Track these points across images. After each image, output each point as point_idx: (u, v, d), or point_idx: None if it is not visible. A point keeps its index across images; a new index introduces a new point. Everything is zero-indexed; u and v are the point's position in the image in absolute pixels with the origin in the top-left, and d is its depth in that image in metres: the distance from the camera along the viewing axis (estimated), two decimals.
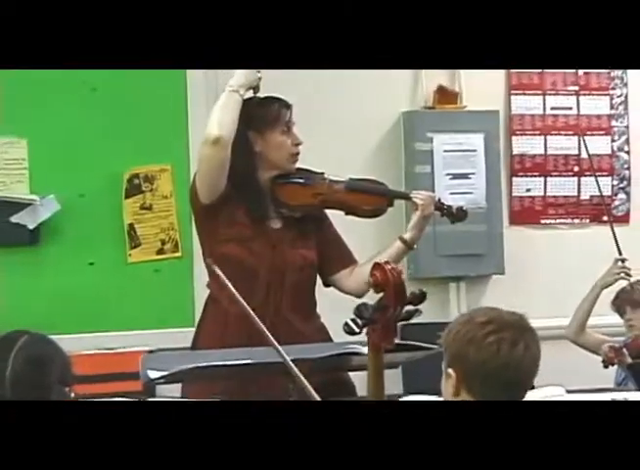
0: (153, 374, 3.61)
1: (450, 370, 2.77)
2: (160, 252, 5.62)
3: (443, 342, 2.83)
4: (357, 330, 2.89)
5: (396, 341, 4.03)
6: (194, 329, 4.38)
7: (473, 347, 2.73)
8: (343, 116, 5.77)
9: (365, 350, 3.68)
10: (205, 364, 3.69)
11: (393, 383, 5.03)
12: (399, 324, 2.97)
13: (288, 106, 4.28)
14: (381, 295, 2.79)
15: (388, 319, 2.82)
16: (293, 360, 3.52)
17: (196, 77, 5.61)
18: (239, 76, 4.16)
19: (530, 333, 2.76)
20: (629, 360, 4.62)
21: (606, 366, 4.79)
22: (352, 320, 2.83)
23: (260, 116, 4.22)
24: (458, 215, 4.42)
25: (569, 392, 3.60)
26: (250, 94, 4.21)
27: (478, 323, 2.76)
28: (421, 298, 2.76)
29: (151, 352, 4.55)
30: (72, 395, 3.03)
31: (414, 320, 5.05)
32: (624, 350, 4.73)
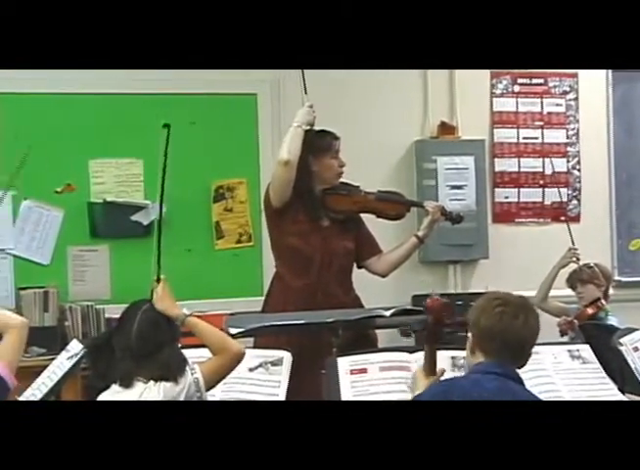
0: (233, 330, 3.59)
1: (469, 334, 2.80)
2: (238, 242, 5.57)
3: (469, 314, 2.84)
4: None
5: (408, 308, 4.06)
6: (263, 298, 4.36)
7: (484, 316, 2.76)
8: (374, 144, 5.71)
9: (387, 313, 3.75)
10: (271, 323, 3.73)
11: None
12: None
13: (337, 138, 4.26)
14: None
15: None
16: (335, 321, 3.60)
17: (264, 115, 5.57)
18: (301, 116, 4.14)
19: (531, 311, 2.78)
20: (578, 328, 4.56)
21: (562, 335, 4.78)
22: None
23: (318, 145, 4.19)
24: (457, 219, 4.43)
25: (537, 344, 3.54)
26: (308, 127, 4.17)
27: (489, 299, 2.80)
28: None
29: (231, 314, 4.42)
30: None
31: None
32: (575, 321, 4.73)
